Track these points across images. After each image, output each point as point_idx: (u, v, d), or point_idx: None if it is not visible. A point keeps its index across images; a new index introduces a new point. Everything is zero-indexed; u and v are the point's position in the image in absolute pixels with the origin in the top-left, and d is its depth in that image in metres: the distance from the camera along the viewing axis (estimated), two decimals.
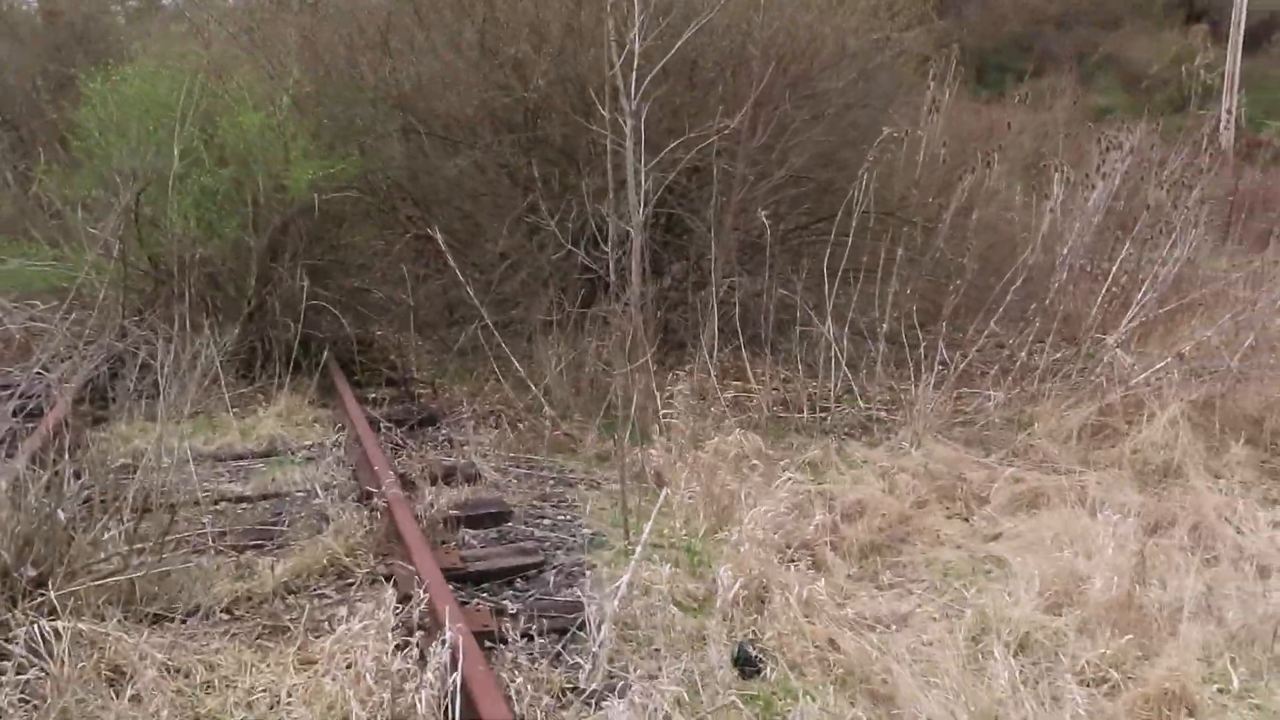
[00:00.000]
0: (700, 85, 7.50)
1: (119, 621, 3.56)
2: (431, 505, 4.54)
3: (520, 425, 6.33)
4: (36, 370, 7.00)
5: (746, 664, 3.50)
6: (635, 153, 6.51)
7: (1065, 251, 7.66)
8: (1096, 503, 5.10)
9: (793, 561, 4.41)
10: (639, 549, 3.76)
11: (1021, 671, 3.57)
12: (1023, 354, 6.76)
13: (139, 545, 3.85)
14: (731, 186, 7.17)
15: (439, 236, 6.76)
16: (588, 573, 4.20)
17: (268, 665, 3.36)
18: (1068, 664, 3.69)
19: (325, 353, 6.76)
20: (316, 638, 3.57)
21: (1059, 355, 7.38)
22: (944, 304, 6.76)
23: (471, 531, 4.66)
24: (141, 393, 6.32)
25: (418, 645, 3.33)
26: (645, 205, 6.55)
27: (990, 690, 3.46)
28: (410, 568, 3.86)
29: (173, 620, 3.75)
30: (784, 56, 7.56)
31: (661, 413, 6.06)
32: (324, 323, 7.18)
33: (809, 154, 7.20)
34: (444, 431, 6.28)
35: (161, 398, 4.64)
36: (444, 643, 3.06)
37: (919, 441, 6.18)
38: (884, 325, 6.79)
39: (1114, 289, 7.80)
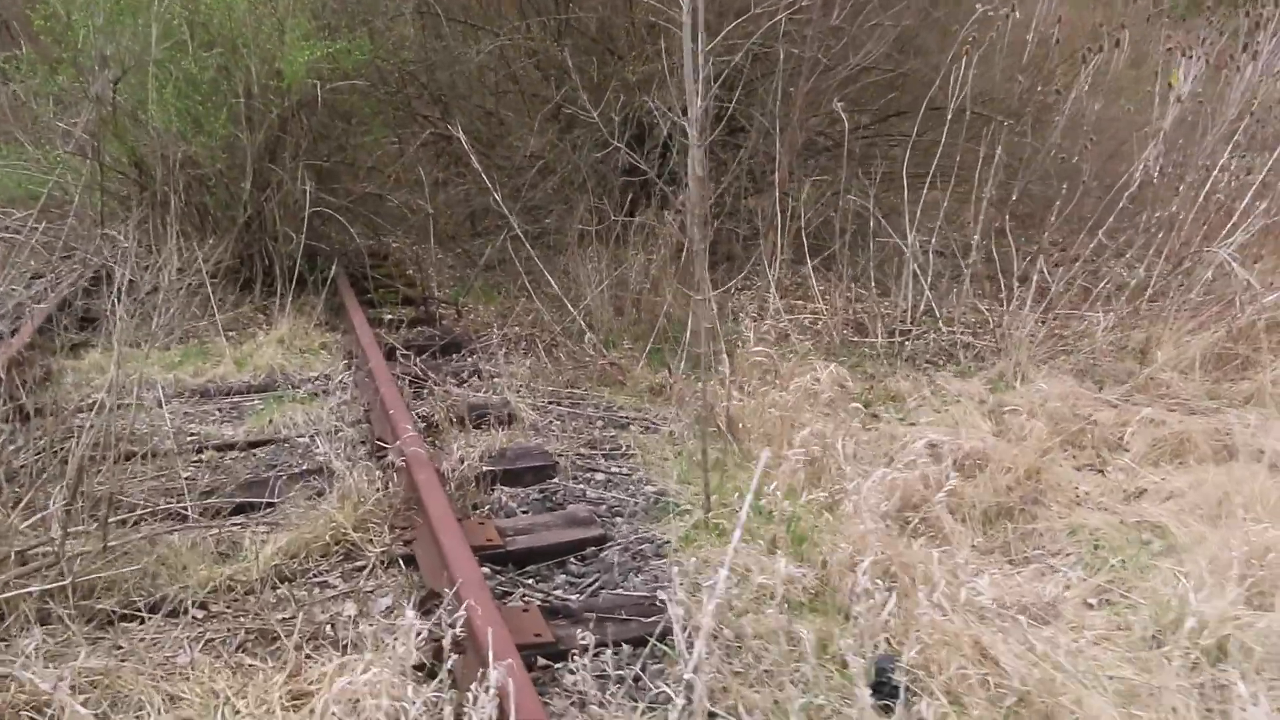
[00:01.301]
0: None
1: (57, 624, 2.63)
2: (461, 461, 3.53)
3: (557, 352, 5.32)
4: (4, 289, 6.02)
5: (890, 694, 2.52)
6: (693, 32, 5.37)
7: (1152, 150, 6.50)
8: (1270, 453, 4.07)
9: (914, 534, 3.42)
10: (738, 532, 2.75)
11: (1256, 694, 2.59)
12: (1140, 270, 5.67)
13: (80, 524, 2.87)
14: (799, 75, 6.00)
15: (461, 135, 5.66)
16: (661, 551, 3.21)
17: (246, 701, 2.39)
18: None
19: (334, 268, 5.72)
20: (314, 651, 2.61)
21: (1156, 271, 6.30)
22: (1047, 213, 5.65)
23: (509, 490, 3.68)
24: (122, 315, 5.32)
25: (450, 673, 2.36)
26: (704, 96, 5.43)
27: None
28: (436, 553, 2.88)
29: (132, 620, 2.80)
30: None
31: (727, 339, 5.03)
32: (331, 233, 6.13)
33: (889, 37, 6.00)
34: (471, 360, 5.27)
35: (117, 322, 3.59)
36: (487, 690, 2.08)
37: (1022, 373, 5.15)
38: (975, 236, 5.69)
39: (1215, 196, 6.64)
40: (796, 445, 3.95)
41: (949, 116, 5.38)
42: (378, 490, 3.33)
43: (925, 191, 5.66)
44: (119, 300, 5.27)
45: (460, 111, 6.82)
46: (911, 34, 6.37)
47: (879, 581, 2.89)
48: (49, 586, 2.63)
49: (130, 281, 5.42)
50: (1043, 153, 5.55)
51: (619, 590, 2.98)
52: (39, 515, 2.96)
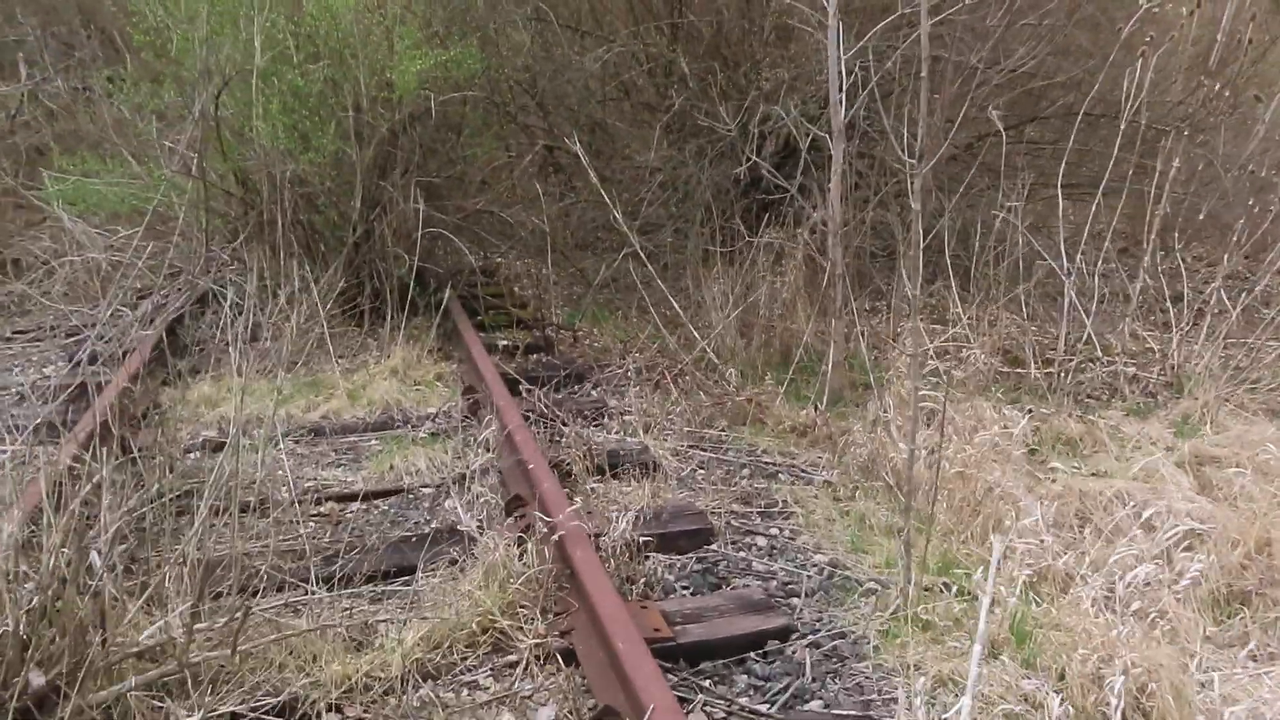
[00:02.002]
0: None
1: None
2: (611, 528, 3.07)
3: (686, 382, 4.84)
4: (112, 310, 5.75)
5: None
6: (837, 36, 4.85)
7: None
8: None
9: (1147, 622, 2.87)
10: (977, 649, 2.24)
11: None
12: None
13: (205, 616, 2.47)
14: (943, 78, 5.44)
15: (579, 149, 5.23)
16: (859, 649, 2.71)
17: None
18: None
19: (447, 292, 5.30)
20: None
21: None
22: (1222, 232, 5.01)
23: (663, 558, 3.21)
24: (228, 341, 4.97)
25: None
26: (848, 104, 4.90)
27: None
28: (606, 656, 2.43)
29: None
30: None
31: (874, 373, 4.51)
32: (440, 251, 5.72)
33: (1041, 38, 5.41)
34: (596, 392, 4.82)
35: (235, 357, 3.21)
36: None
37: (1210, 415, 4.53)
38: (1146, 258, 5.08)
39: None
40: (983, 508, 3.44)
41: (1121, 125, 4.77)
42: (524, 567, 2.88)
43: (1091, 207, 5.06)
44: (228, 329, 4.93)
45: (572, 123, 6.38)
46: (1058, 33, 5.75)
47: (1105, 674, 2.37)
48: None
49: (238, 306, 5.09)
50: (1234, 166, 4.92)
51: (818, 702, 2.48)
52: (161, 609, 2.57)
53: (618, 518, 3.15)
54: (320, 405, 4.47)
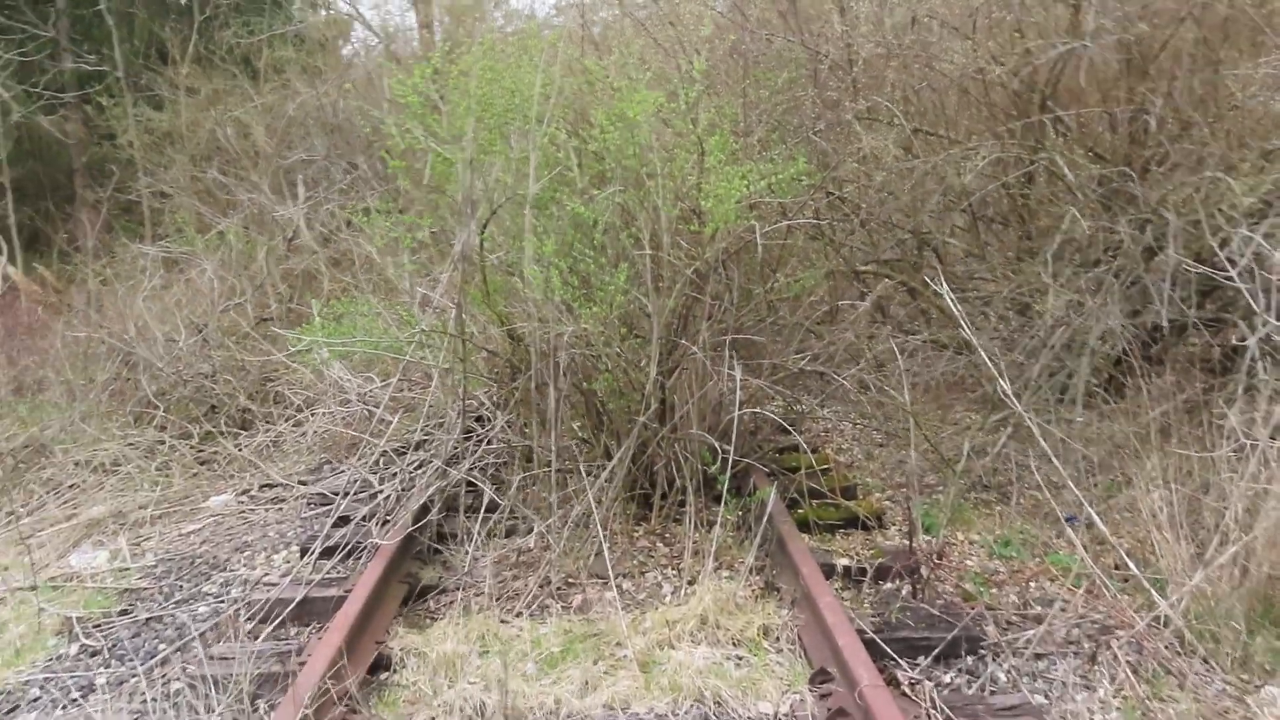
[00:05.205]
0: None
1: None
2: None
3: (1147, 669, 3.01)
4: (353, 479, 4.67)
5: None
6: None
7: None
8: None
9: None
10: None
11: None
12: None
13: None
14: None
15: (946, 292, 3.63)
16: None
17: None
18: None
19: (771, 496, 3.74)
20: None
21: None
22: None
23: None
24: (478, 555, 3.67)
25: None
26: None
27: None
28: None
29: None
30: None
31: None
32: (751, 425, 4.21)
33: None
34: (1004, 673, 3.06)
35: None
36: None
37: None
38: None
39: None
40: None
41: None
42: None
43: None
44: (484, 529, 3.62)
45: (904, 250, 4.77)
46: None
47: None
48: None
49: (500, 509, 3.79)
50: None
51: None
52: None
53: None
54: (600, 682, 2.99)
